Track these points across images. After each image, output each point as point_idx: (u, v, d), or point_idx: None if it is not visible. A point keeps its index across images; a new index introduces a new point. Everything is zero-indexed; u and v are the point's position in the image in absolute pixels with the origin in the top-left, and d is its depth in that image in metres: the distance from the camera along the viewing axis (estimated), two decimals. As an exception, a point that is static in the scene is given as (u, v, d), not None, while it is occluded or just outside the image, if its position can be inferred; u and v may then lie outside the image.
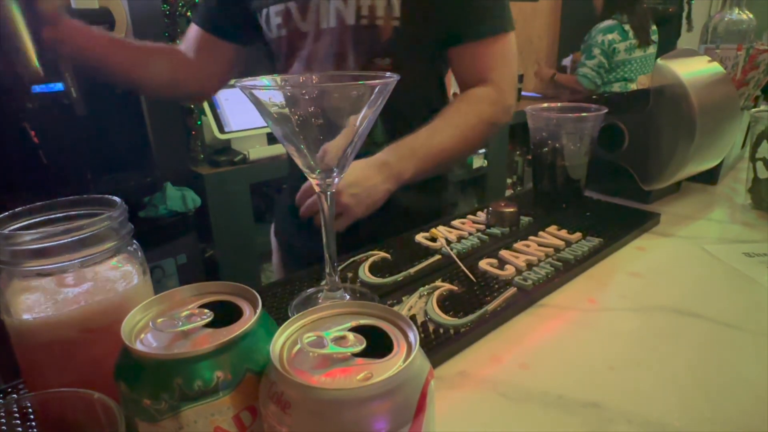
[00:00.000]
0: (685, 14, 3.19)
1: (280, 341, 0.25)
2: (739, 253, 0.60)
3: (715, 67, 0.76)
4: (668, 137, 0.71)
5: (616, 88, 2.33)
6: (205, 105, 1.70)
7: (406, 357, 0.24)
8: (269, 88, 0.42)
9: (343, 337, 0.25)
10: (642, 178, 0.75)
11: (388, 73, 0.39)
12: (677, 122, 0.69)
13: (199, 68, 0.88)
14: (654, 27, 2.36)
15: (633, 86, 2.32)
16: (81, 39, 0.78)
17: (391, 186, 0.68)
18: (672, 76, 0.69)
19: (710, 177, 0.84)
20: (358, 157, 0.61)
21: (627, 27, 2.26)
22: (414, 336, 0.25)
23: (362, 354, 0.24)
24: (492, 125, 0.79)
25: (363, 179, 0.66)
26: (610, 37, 2.25)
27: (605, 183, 0.79)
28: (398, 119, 0.74)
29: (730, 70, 0.86)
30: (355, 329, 0.26)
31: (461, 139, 0.75)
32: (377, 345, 0.25)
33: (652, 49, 2.36)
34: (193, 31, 0.88)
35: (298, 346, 0.25)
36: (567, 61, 2.92)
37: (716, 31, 0.95)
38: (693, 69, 0.73)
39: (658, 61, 0.73)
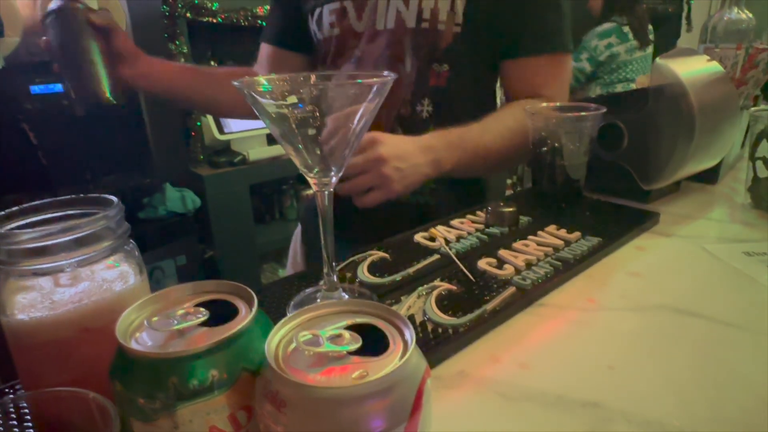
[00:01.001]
0: (684, 14, 3.18)
1: (276, 340, 0.25)
2: (739, 252, 0.60)
3: (715, 67, 0.76)
4: (668, 137, 0.70)
5: (619, 88, 2.33)
6: (205, 106, 1.70)
7: (402, 355, 0.24)
8: (267, 88, 0.42)
9: (338, 336, 0.24)
10: (641, 178, 0.74)
11: (386, 72, 0.39)
12: (677, 122, 0.69)
13: None
14: (650, 27, 2.36)
15: (633, 86, 2.32)
16: (159, 74, 0.78)
17: (431, 172, 0.66)
18: (671, 76, 0.69)
19: (710, 176, 0.84)
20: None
21: (626, 29, 2.26)
22: (410, 334, 0.25)
23: (358, 352, 0.24)
24: None
25: (409, 155, 0.63)
26: (605, 42, 2.24)
27: (604, 182, 0.79)
28: (451, 127, 0.72)
29: (730, 70, 0.86)
30: (350, 327, 0.26)
31: (509, 144, 0.74)
32: (373, 343, 0.25)
33: (650, 49, 2.36)
34: (264, 50, 0.89)
35: (293, 345, 0.25)
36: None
37: (715, 31, 0.95)
38: (692, 68, 0.73)
39: (657, 60, 0.72)
